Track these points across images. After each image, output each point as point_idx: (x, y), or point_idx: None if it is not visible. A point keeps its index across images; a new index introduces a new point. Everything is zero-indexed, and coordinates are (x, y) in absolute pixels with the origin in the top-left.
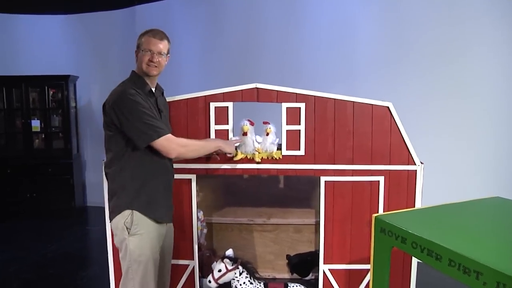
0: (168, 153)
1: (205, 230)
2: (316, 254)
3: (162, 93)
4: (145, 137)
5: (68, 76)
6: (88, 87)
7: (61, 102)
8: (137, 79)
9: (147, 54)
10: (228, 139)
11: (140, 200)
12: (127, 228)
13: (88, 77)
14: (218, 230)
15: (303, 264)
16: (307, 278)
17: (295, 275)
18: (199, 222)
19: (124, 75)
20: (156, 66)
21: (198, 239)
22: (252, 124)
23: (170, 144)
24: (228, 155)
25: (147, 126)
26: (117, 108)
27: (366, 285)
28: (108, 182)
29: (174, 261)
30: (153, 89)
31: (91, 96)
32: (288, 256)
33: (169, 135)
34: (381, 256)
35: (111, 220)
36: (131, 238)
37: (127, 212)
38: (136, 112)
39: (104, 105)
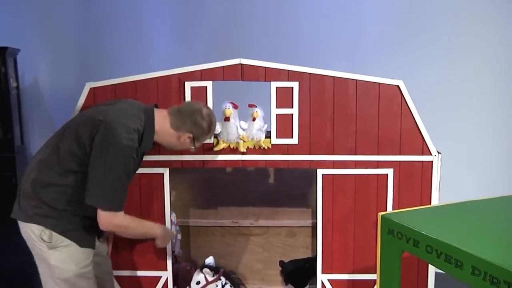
0: (101, 225)
1: (179, 236)
2: (315, 260)
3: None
4: (98, 199)
5: (6, 48)
6: (34, 63)
7: None
8: (150, 129)
9: (192, 147)
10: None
11: (63, 225)
12: (44, 240)
13: (32, 51)
14: (196, 235)
15: (300, 273)
16: None
17: (290, 286)
18: (172, 226)
19: (79, 48)
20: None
21: (172, 247)
22: (235, 107)
23: (111, 221)
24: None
25: (111, 193)
26: (105, 146)
27: None
28: (42, 187)
29: (144, 273)
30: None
31: (38, 75)
32: (281, 263)
33: (120, 213)
34: (389, 263)
35: (21, 220)
36: (52, 252)
37: (46, 230)
38: (117, 171)
39: (95, 119)
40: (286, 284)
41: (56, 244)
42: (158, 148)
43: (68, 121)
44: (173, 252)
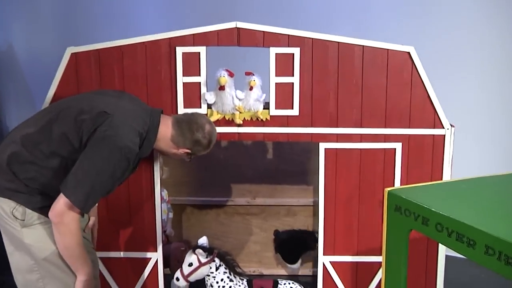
0: (51, 210)
1: (170, 215)
2: (313, 234)
3: None
4: (67, 184)
5: None
6: (7, 27)
7: None
8: (153, 136)
9: (188, 158)
10: None
11: (38, 202)
12: (16, 218)
13: (6, 13)
14: (188, 213)
15: (293, 244)
16: (295, 266)
17: (283, 265)
18: (163, 204)
19: (59, 9)
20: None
21: (163, 226)
22: (231, 75)
23: (63, 213)
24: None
25: (84, 187)
26: (105, 141)
27: (379, 282)
28: (19, 163)
29: (133, 254)
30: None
31: (13, 39)
32: (276, 232)
33: (77, 214)
34: (396, 243)
35: None
36: (26, 230)
37: (19, 207)
38: (103, 170)
39: (101, 110)
40: (276, 252)
41: (30, 222)
42: None
43: (65, 101)
44: (164, 231)
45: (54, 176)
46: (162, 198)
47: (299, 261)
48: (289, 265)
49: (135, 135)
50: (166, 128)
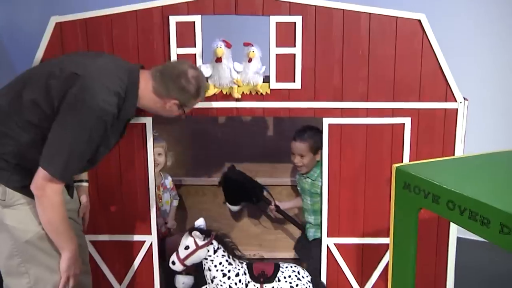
0: (32, 183)
1: (175, 202)
2: (261, 188)
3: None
4: (45, 156)
5: None
6: None
7: None
8: (133, 95)
9: (181, 112)
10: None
11: (18, 180)
12: None
13: None
14: (185, 194)
15: (238, 186)
16: (233, 207)
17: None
18: (167, 192)
19: None
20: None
21: (164, 217)
22: (228, 46)
23: (44, 185)
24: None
25: (61, 155)
26: (77, 104)
27: (386, 264)
28: None
29: (125, 237)
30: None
31: None
32: (230, 167)
33: (58, 184)
34: (404, 222)
35: None
36: (7, 210)
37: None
38: (79, 135)
39: (71, 72)
40: (218, 185)
41: (11, 202)
42: None
43: (35, 67)
44: (165, 223)
45: (32, 148)
46: (165, 187)
47: (238, 207)
48: (227, 204)
49: (109, 95)
50: (146, 82)
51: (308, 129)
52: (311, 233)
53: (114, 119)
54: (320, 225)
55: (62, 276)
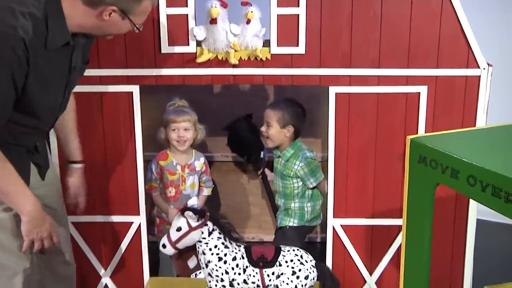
0: None
1: (206, 191)
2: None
3: (86, 35)
4: None
5: None
6: None
7: None
8: (57, 14)
9: (130, 23)
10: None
11: None
12: None
13: None
14: None
15: (241, 139)
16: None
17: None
18: (193, 174)
19: None
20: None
21: (185, 203)
22: (224, 5)
23: None
24: None
25: None
26: None
27: (398, 248)
28: None
29: (111, 218)
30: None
31: None
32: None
33: None
34: (419, 200)
35: None
36: None
37: None
38: None
39: None
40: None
41: None
42: (125, 60)
43: None
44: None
45: None
46: (193, 168)
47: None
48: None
49: (14, 18)
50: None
51: (287, 100)
52: (279, 220)
53: (36, 48)
54: (288, 211)
55: (25, 240)
